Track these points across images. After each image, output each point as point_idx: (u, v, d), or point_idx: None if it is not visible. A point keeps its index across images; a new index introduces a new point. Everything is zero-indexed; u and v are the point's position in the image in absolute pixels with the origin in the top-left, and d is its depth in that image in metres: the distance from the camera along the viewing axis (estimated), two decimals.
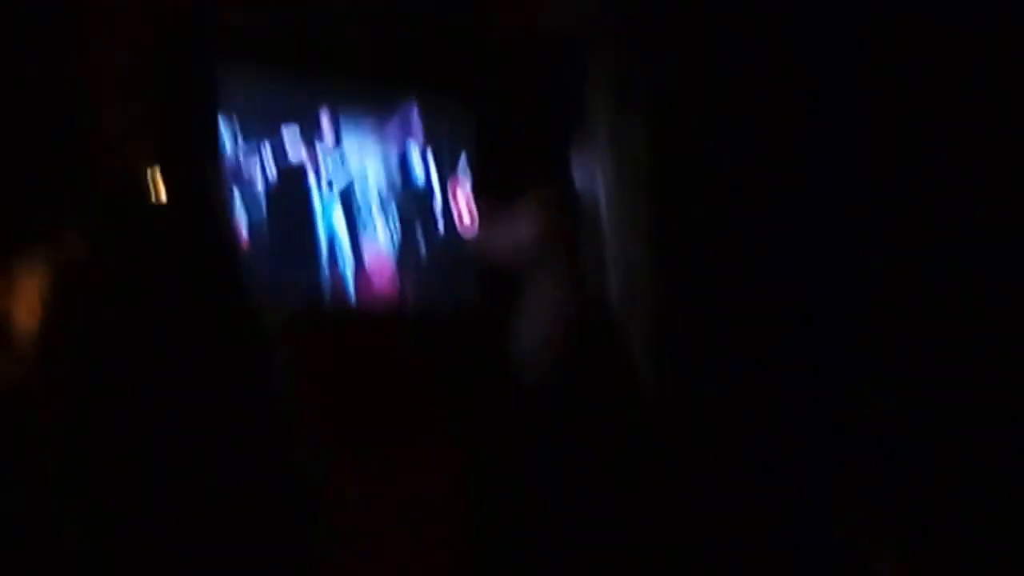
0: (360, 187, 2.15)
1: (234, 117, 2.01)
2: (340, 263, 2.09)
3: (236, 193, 2.03)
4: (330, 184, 2.12)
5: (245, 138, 2.03)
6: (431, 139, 2.21)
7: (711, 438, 1.56)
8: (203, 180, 2.11)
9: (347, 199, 2.14)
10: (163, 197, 1.80)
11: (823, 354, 1.42)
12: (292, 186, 2.07)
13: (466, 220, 2.23)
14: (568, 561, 1.99)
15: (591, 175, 1.82)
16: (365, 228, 2.14)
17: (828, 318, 1.41)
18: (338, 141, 2.14)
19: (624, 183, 1.71)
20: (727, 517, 1.46)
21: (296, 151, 2.08)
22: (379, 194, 2.17)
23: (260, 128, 2.05)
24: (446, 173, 2.23)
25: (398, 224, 2.16)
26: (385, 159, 2.16)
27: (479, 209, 2.22)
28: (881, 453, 1.37)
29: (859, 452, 1.38)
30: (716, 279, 1.75)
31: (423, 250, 2.17)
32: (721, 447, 1.52)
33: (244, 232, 2.04)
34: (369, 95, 2.16)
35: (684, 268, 1.69)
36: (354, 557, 2.07)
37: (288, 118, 2.09)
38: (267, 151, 2.06)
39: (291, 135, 2.11)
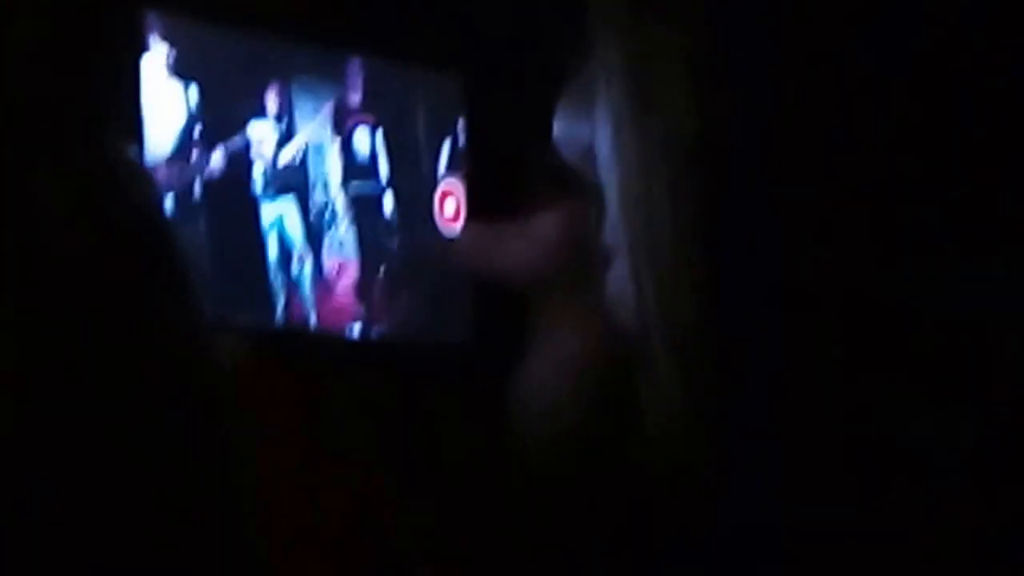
0: (319, 180, 1.74)
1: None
2: (296, 274, 1.74)
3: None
4: (279, 176, 1.73)
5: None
6: (399, 115, 1.74)
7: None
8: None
9: (302, 194, 1.75)
10: None
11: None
12: (231, 179, 1.70)
13: (448, 216, 1.77)
14: None
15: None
16: (327, 230, 1.75)
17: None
18: (289, 119, 1.71)
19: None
20: None
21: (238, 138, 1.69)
22: (343, 189, 1.75)
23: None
24: (428, 159, 1.75)
25: (365, 224, 1.75)
26: (345, 145, 1.72)
27: (470, 204, 1.76)
28: None
29: None
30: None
31: (393, 258, 1.77)
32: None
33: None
34: (320, 64, 1.69)
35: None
36: None
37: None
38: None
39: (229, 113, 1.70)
